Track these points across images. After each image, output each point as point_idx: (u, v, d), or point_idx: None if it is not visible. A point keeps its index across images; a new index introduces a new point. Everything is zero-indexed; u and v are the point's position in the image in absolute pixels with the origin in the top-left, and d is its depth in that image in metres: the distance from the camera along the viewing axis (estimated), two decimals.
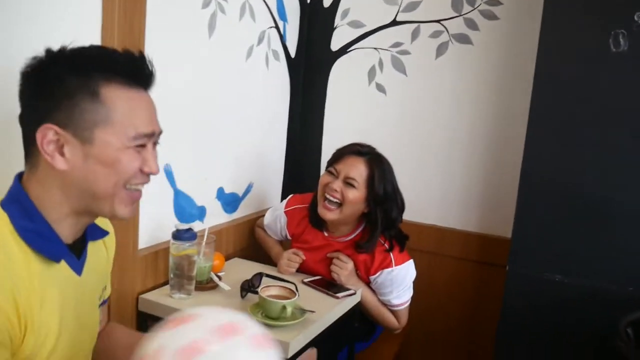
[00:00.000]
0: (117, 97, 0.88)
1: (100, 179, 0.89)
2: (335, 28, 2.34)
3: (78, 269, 0.97)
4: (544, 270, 1.74)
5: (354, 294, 1.71)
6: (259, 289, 1.53)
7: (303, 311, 1.48)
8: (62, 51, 0.88)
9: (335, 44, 2.36)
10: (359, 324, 1.83)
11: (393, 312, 1.83)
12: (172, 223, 1.63)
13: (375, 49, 2.28)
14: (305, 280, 1.77)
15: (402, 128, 2.27)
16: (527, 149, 1.74)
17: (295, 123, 2.40)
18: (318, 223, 1.86)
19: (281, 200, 2.30)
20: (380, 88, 2.30)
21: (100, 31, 1.33)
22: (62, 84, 0.86)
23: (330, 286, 1.73)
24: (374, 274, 1.78)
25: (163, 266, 1.63)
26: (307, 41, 2.38)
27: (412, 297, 1.96)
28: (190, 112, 1.74)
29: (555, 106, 1.69)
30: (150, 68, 0.93)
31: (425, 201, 2.26)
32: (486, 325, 2.15)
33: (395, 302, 1.80)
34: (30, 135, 0.88)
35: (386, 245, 1.78)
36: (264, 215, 2.08)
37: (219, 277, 1.68)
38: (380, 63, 2.28)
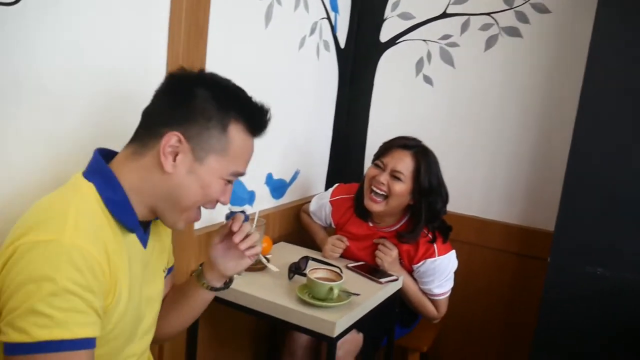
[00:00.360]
0: (238, 137, 1.01)
1: (189, 194, 1.00)
2: (385, 20, 2.38)
3: (144, 242, 1.06)
4: (586, 263, 1.76)
5: (397, 280, 1.76)
6: (306, 271, 1.59)
7: (348, 294, 1.54)
8: (214, 77, 1.04)
9: (385, 36, 2.39)
10: (400, 310, 1.88)
11: (433, 302, 1.88)
12: (224, 206, 1.71)
13: (424, 40, 2.31)
14: (349, 265, 1.83)
15: (449, 120, 2.29)
16: (574, 143, 1.75)
17: (342, 113, 2.45)
18: (363, 214, 1.91)
19: (325, 189, 2.37)
20: (427, 80, 2.32)
21: (168, 19, 1.41)
22: (205, 106, 0.98)
23: (373, 271, 1.79)
24: (417, 263, 1.82)
25: None
26: (357, 32, 2.42)
27: (451, 289, 2.01)
28: None
29: (604, 102, 1.69)
30: (267, 126, 1.06)
31: (468, 192, 2.29)
32: (525, 317, 2.17)
33: (436, 291, 1.85)
34: (153, 130, 0.99)
35: (430, 236, 1.82)
36: (309, 202, 2.14)
37: (267, 259, 1.75)
38: (429, 55, 2.31)
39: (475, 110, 2.25)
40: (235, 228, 1.13)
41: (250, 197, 1.93)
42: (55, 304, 0.81)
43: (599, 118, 1.70)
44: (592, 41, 1.69)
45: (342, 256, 1.92)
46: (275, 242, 1.99)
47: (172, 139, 0.96)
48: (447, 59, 2.27)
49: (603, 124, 1.70)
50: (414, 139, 1.85)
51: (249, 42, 1.77)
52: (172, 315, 1.23)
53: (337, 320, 1.43)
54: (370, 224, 1.92)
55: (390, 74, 2.40)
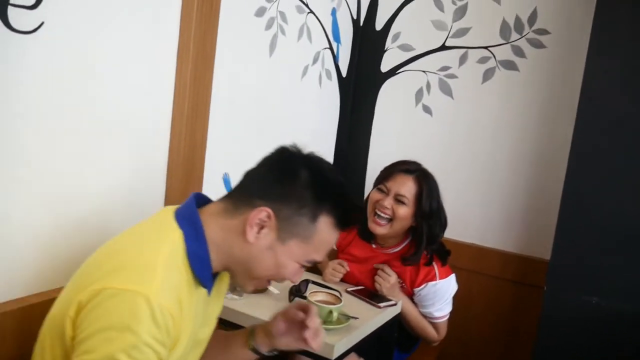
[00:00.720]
0: (326, 230, 1.03)
1: (263, 267, 1.03)
2: (386, 50, 2.45)
3: (210, 290, 1.07)
4: (582, 292, 1.78)
5: (395, 304, 1.79)
6: (306, 294, 1.62)
7: (347, 317, 1.57)
8: (320, 163, 1.06)
9: (385, 66, 2.46)
10: (399, 334, 1.90)
11: (433, 325, 1.90)
12: None
13: (423, 71, 2.38)
14: (349, 289, 1.85)
15: (447, 148, 2.35)
16: (569, 174, 1.79)
17: (343, 140, 2.51)
18: (367, 236, 1.94)
19: None
20: (426, 109, 2.39)
21: (177, 47, 1.47)
22: (303, 192, 1.01)
23: (372, 296, 1.81)
24: (419, 286, 1.85)
25: None
26: (358, 62, 2.49)
27: (450, 313, 2.03)
28: (249, 125, 1.87)
29: (598, 134, 1.74)
30: (355, 224, 1.10)
31: (466, 220, 2.33)
32: (522, 344, 2.19)
33: (436, 314, 1.88)
34: (249, 197, 1.01)
35: (429, 259, 1.86)
36: None
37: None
38: (428, 85, 2.37)
39: (473, 139, 2.30)
40: (310, 325, 1.15)
41: None
42: (133, 355, 0.85)
43: (593, 150, 1.75)
44: (584, 75, 1.75)
45: (343, 280, 1.94)
46: None
47: (262, 213, 0.99)
48: (446, 89, 2.34)
49: (597, 155, 1.74)
50: (415, 163, 1.90)
51: (253, 70, 1.83)
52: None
53: (335, 342, 1.45)
54: (374, 246, 1.95)
55: (391, 103, 2.47)
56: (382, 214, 1.83)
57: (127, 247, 0.97)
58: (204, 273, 1.01)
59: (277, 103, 2.00)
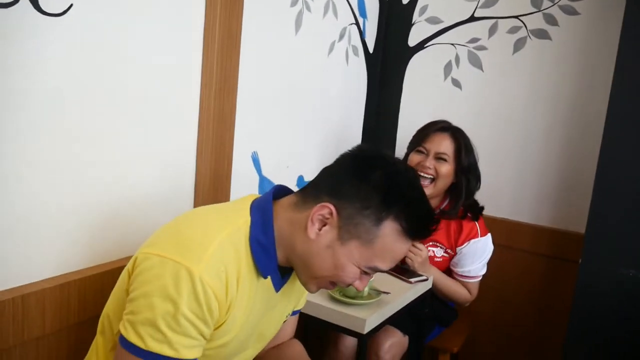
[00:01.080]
0: (391, 236, 0.97)
1: (321, 266, 0.99)
2: (413, 24, 2.41)
3: (278, 286, 1.08)
4: (618, 265, 1.75)
5: (427, 280, 1.79)
6: None
7: (378, 292, 1.58)
8: (396, 165, 1.01)
9: (413, 40, 2.42)
10: (437, 308, 1.90)
11: (467, 285, 1.94)
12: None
13: (452, 44, 2.33)
14: None
15: (477, 122, 2.31)
16: (604, 143, 1.75)
17: (372, 117, 2.49)
18: None
19: None
20: (456, 83, 2.35)
21: (203, 27, 1.48)
22: (370, 193, 0.96)
23: (403, 272, 1.82)
24: (462, 244, 1.90)
25: None
26: (385, 37, 2.46)
27: (482, 289, 2.02)
28: (277, 103, 1.87)
29: (634, 103, 1.69)
30: (432, 230, 1.00)
31: (499, 195, 2.29)
32: (556, 319, 2.17)
33: (473, 274, 1.93)
34: (318, 192, 1.00)
35: (470, 216, 1.90)
36: None
37: None
38: (457, 58, 2.33)
39: (504, 112, 2.26)
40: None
41: None
42: (172, 325, 0.89)
43: (629, 119, 1.70)
44: (620, 43, 1.69)
45: None
46: None
47: (324, 209, 0.97)
48: (476, 62, 2.29)
49: (633, 124, 1.70)
50: (446, 121, 1.95)
51: (280, 48, 1.82)
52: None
53: (367, 317, 1.46)
54: None
55: (419, 78, 2.44)
56: (426, 175, 1.86)
57: (194, 223, 0.99)
58: (265, 263, 1.01)
59: (304, 80, 1.99)
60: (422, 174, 1.86)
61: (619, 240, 1.74)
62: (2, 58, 1.03)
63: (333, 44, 2.11)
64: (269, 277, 1.04)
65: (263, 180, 1.86)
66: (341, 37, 2.16)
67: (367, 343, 1.81)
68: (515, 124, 2.24)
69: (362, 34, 2.31)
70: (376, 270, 1.01)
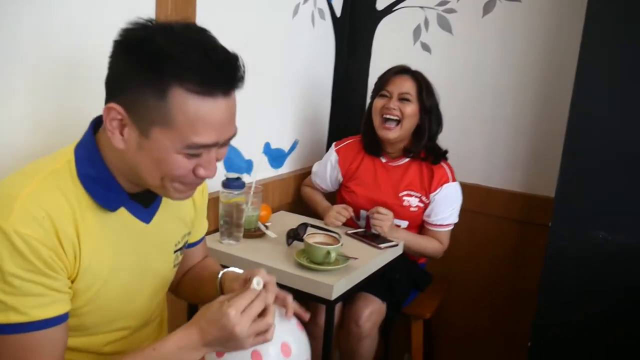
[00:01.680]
0: (184, 104, 0.82)
1: (147, 170, 0.88)
2: None
3: (145, 217, 1.00)
4: (587, 228, 1.74)
5: (397, 245, 1.76)
6: (304, 237, 1.59)
7: (346, 258, 1.54)
8: (144, 37, 0.83)
9: (381, 4, 2.36)
10: (400, 276, 1.88)
11: (439, 235, 1.96)
12: (221, 175, 1.71)
13: (421, 7, 2.28)
14: (349, 232, 1.82)
15: (447, 87, 2.25)
16: (573, 106, 1.72)
17: (340, 82, 2.43)
18: (376, 149, 1.98)
19: None
20: (425, 47, 2.30)
21: None
22: (140, 70, 0.82)
23: (373, 238, 1.78)
24: (435, 190, 1.92)
25: (212, 215, 1.70)
26: (352, 0, 2.39)
27: (455, 255, 2.01)
28: None
29: (603, 64, 1.66)
30: (237, 72, 0.87)
31: (470, 160, 2.27)
32: (528, 283, 2.16)
33: (446, 222, 1.95)
34: (106, 100, 0.87)
35: (437, 162, 1.93)
36: (309, 173, 2.14)
37: (266, 227, 1.76)
38: (426, 22, 2.28)
39: (474, 77, 2.22)
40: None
41: (248, 166, 1.92)
42: (5, 289, 0.81)
43: (598, 80, 1.67)
44: (589, 4, 1.65)
45: (346, 225, 1.93)
46: (274, 211, 1.99)
47: (110, 112, 0.85)
48: (445, 25, 2.24)
49: (602, 86, 1.67)
50: (405, 65, 1.96)
51: (239, 10, 1.74)
52: (185, 291, 1.24)
53: (334, 283, 1.43)
54: (383, 160, 1.99)
55: (388, 42, 2.38)
56: (392, 117, 1.88)
57: (5, 179, 0.89)
58: (106, 196, 0.92)
59: (267, 43, 1.92)
60: (387, 116, 1.88)
61: (588, 203, 1.73)
62: None
63: (298, 6, 2.04)
64: (124, 212, 0.96)
65: None
66: None
67: (346, 312, 1.81)
68: (486, 88, 2.21)
69: None
70: (198, 145, 0.84)
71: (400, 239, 1.82)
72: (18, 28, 1.10)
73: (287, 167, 2.18)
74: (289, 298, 1.01)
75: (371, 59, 2.42)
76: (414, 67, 2.30)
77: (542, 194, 2.12)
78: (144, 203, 1.00)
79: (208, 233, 1.67)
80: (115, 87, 0.86)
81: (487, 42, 2.18)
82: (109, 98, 0.87)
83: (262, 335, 0.91)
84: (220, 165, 1.76)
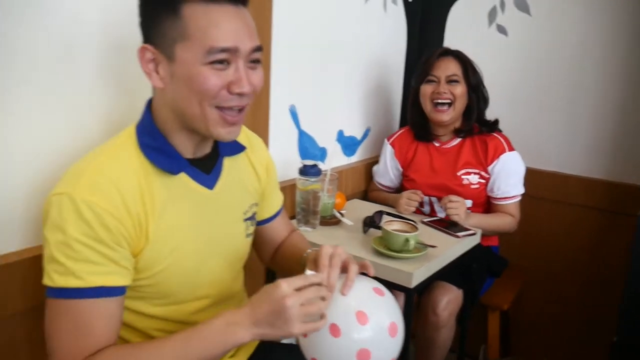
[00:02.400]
0: (195, 12, 0.88)
1: (184, 97, 0.91)
2: None
3: (208, 183, 1.04)
4: None
5: (474, 234, 1.72)
6: (381, 224, 1.58)
7: (425, 246, 1.51)
8: None
9: None
10: (477, 265, 1.83)
11: (509, 209, 1.91)
12: (297, 162, 1.72)
13: None
14: (425, 220, 1.79)
15: (524, 70, 2.19)
16: None
17: (412, 69, 2.39)
18: (427, 135, 1.98)
19: None
20: (501, 29, 2.22)
21: None
22: (153, 4, 0.91)
23: (450, 226, 1.75)
24: (492, 162, 1.89)
25: (289, 202, 1.72)
26: None
27: (531, 243, 1.94)
28: (313, 56, 1.79)
29: None
30: None
31: (548, 147, 2.19)
32: (611, 275, 2.07)
33: (513, 192, 1.90)
34: None
35: (491, 133, 1.91)
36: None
37: (341, 214, 1.75)
38: (502, 3, 2.20)
39: (554, 59, 2.13)
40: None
41: (322, 154, 1.92)
42: (68, 253, 0.85)
43: None
44: None
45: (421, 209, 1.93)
46: (348, 199, 1.98)
47: (144, 53, 0.92)
48: (522, 5, 2.16)
49: None
50: (444, 47, 1.95)
51: None
52: (280, 268, 1.27)
53: (414, 271, 1.40)
54: (437, 144, 1.98)
55: (461, 26, 2.32)
56: (443, 100, 1.87)
57: (82, 158, 0.96)
58: (166, 162, 0.96)
59: (340, 30, 1.91)
60: (439, 100, 1.87)
61: None
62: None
63: None
64: (186, 177, 1.00)
65: (302, 134, 1.80)
66: None
67: (423, 300, 1.79)
68: (566, 71, 2.11)
69: None
70: (218, 49, 0.89)
71: (474, 224, 1.78)
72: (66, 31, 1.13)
73: (360, 155, 2.17)
74: (351, 270, 0.97)
75: (444, 44, 2.36)
76: (489, 50, 2.25)
77: (630, 182, 2.01)
78: (205, 169, 1.04)
79: None
80: (144, 29, 0.93)
81: (569, 22, 2.08)
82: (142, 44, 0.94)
83: (313, 323, 0.88)
84: (296, 153, 1.79)
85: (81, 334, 0.86)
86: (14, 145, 1.03)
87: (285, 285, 0.87)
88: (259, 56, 0.96)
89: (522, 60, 2.19)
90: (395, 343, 0.95)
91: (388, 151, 2.05)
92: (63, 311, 0.86)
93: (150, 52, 0.92)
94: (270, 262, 1.32)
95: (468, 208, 1.86)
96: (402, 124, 2.42)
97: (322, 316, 0.89)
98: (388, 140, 2.07)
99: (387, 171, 2.07)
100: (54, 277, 0.86)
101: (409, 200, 1.86)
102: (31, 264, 1.04)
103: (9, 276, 1.03)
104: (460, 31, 2.32)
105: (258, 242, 1.29)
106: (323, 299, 0.90)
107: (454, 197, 1.80)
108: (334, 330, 0.91)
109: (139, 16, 0.95)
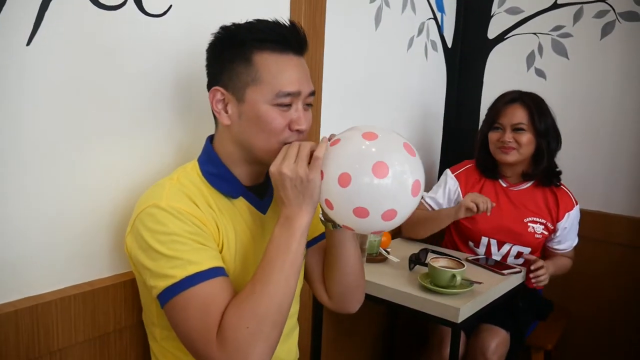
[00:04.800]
0: (266, 60, 1.01)
1: (252, 135, 1.03)
2: (493, 16, 2.37)
3: (261, 208, 1.13)
4: None
5: (520, 272, 1.74)
6: (427, 261, 1.62)
7: (471, 282, 1.55)
8: (229, 27, 1.05)
9: (492, 32, 2.38)
10: (523, 304, 1.85)
11: (568, 254, 1.98)
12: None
13: (534, 34, 2.27)
14: (469, 257, 1.83)
15: (564, 112, 2.21)
16: None
17: (452, 111, 2.46)
18: (494, 172, 1.97)
19: None
20: (539, 73, 2.28)
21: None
22: (225, 53, 1.04)
23: (494, 263, 1.77)
24: (562, 217, 1.90)
25: None
26: (463, 31, 2.43)
27: (575, 284, 2.03)
28: (359, 99, 1.89)
29: None
30: (299, 34, 1.04)
31: (588, 186, 2.21)
32: None
33: (574, 243, 1.97)
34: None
35: (558, 185, 1.93)
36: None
37: (387, 252, 1.80)
38: (540, 48, 2.27)
39: (593, 101, 2.17)
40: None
41: None
42: (178, 248, 0.94)
43: None
44: None
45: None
46: (393, 237, 2.02)
47: (215, 94, 1.04)
48: (560, 50, 2.22)
49: None
50: (515, 91, 1.93)
51: (361, 43, 1.84)
52: (330, 275, 1.24)
53: (461, 306, 1.44)
54: (504, 184, 1.97)
55: (500, 70, 2.39)
56: (508, 147, 1.88)
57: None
58: (226, 187, 1.07)
59: (384, 76, 2.00)
60: (505, 149, 1.88)
61: None
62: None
63: (412, 39, 2.11)
64: (243, 202, 1.09)
65: None
66: (420, 32, 2.15)
67: (471, 344, 1.80)
68: (606, 112, 2.15)
69: (440, 28, 2.29)
70: (285, 94, 1.01)
71: (552, 273, 1.85)
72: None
73: None
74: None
75: (483, 86, 2.43)
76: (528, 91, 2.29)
77: None
78: (259, 195, 1.13)
79: None
80: (214, 74, 1.06)
81: (606, 65, 2.13)
82: (210, 85, 1.06)
83: (314, 161, 0.96)
84: None
85: (210, 313, 0.92)
86: (93, 177, 1.13)
87: (272, 166, 0.98)
88: (312, 100, 1.08)
89: (561, 102, 2.22)
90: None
91: (451, 183, 2.00)
92: (191, 300, 0.93)
93: (220, 93, 1.04)
94: (328, 283, 1.25)
95: (524, 255, 1.90)
96: (442, 163, 2.47)
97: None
98: (452, 172, 2.03)
99: (443, 203, 2.00)
100: (174, 273, 0.93)
101: (476, 197, 1.81)
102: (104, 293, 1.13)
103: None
104: (500, 75, 2.39)
105: (309, 272, 1.28)
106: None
107: (535, 263, 1.80)
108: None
109: (206, 60, 1.08)
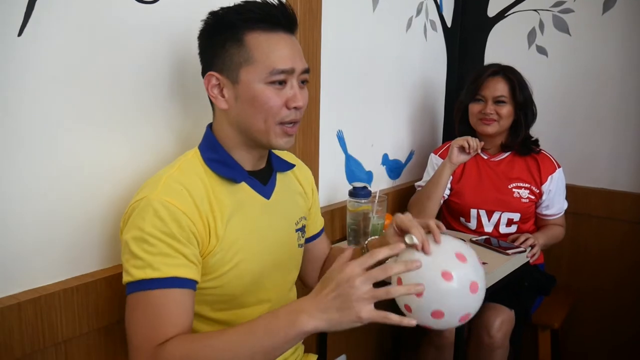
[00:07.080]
0: (257, 40, 1.01)
1: (250, 116, 1.03)
2: None
3: (265, 193, 1.13)
4: None
5: (524, 251, 1.73)
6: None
7: None
8: (217, 12, 1.05)
9: (492, 10, 2.35)
10: (528, 282, 1.84)
11: (559, 221, 2.00)
12: (344, 186, 1.78)
13: (535, 10, 2.24)
14: (473, 238, 1.82)
15: (567, 89, 2.21)
16: None
17: (453, 92, 2.44)
18: None
19: None
20: (541, 50, 2.26)
21: None
22: (216, 37, 1.03)
23: (498, 243, 1.77)
24: (545, 180, 1.94)
25: (340, 223, 1.78)
26: (462, 10, 2.40)
27: (581, 262, 2.02)
28: (358, 82, 1.87)
29: None
30: (288, 12, 1.04)
31: (592, 164, 2.20)
32: None
33: (564, 208, 2.00)
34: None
35: (537, 149, 1.97)
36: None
37: None
38: (541, 24, 2.24)
39: (596, 77, 2.15)
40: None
41: (369, 177, 1.98)
42: (144, 247, 0.94)
43: None
44: None
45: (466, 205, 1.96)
46: None
47: (210, 79, 1.04)
48: (562, 26, 2.19)
49: None
50: (495, 64, 1.97)
51: (358, 26, 1.82)
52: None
53: None
54: (484, 156, 2.00)
55: (501, 49, 2.36)
56: (489, 119, 1.92)
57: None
58: (229, 172, 1.06)
59: (383, 57, 1.98)
60: (486, 120, 1.92)
61: None
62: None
63: (411, 19, 2.09)
64: (246, 187, 1.09)
65: (349, 158, 1.86)
66: (418, 12, 2.13)
67: (475, 323, 1.80)
68: (608, 88, 2.13)
69: (439, 7, 2.26)
70: (279, 71, 1.01)
71: (543, 243, 1.87)
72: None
73: (404, 178, 2.22)
74: (431, 223, 0.99)
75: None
76: (530, 71, 2.27)
77: None
78: (262, 181, 1.13)
79: (336, 241, 1.77)
80: (207, 60, 1.06)
81: (608, 40, 2.10)
82: (205, 72, 1.06)
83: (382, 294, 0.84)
84: (343, 177, 1.85)
85: (156, 323, 0.92)
86: (92, 167, 1.12)
87: (354, 264, 0.83)
88: (307, 77, 1.08)
89: (563, 78, 2.21)
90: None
91: (437, 162, 2.02)
92: (141, 302, 0.94)
93: (215, 78, 1.04)
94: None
95: (516, 222, 1.93)
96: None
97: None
98: (435, 153, 2.07)
99: None
100: (133, 272, 0.94)
101: (463, 140, 1.83)
102: (106, 284, 1.12)
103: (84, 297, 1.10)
104: (500, 53, 2.35)
105: (305, 262, 1.31)
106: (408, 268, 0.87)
107: (522, 239, 1.85)
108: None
109: (198, 47, 1.08)
